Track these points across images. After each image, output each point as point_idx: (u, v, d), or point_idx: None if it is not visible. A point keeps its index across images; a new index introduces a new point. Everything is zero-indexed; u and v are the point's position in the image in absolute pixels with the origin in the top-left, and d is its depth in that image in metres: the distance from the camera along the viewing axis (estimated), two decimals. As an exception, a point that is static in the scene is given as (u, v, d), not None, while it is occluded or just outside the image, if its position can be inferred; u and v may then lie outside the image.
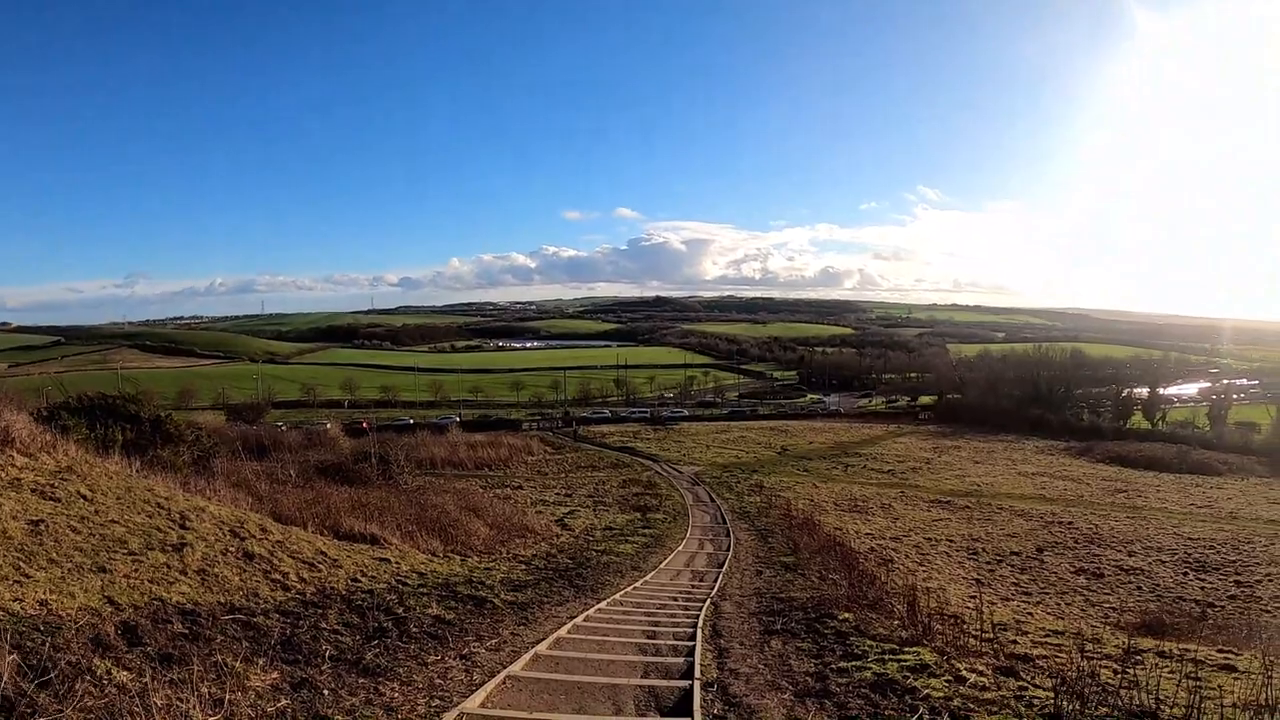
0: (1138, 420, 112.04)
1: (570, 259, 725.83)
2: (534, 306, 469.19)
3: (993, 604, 29.27)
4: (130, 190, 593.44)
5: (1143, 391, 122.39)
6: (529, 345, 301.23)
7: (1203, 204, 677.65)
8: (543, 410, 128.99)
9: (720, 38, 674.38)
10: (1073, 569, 42.93)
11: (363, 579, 13.74)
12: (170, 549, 11.33)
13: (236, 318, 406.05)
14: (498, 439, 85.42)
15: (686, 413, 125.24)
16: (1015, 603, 34.23)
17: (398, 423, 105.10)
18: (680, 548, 30.63)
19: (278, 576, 12.15)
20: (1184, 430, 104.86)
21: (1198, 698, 7.52)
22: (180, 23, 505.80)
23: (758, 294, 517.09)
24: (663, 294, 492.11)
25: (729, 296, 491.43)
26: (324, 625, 9.59)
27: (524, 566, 19.83)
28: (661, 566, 24.31)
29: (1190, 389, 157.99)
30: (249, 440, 60.96)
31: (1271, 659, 9.49)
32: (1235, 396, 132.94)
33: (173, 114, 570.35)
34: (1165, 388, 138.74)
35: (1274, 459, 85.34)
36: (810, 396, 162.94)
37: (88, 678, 5.89)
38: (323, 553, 14.86)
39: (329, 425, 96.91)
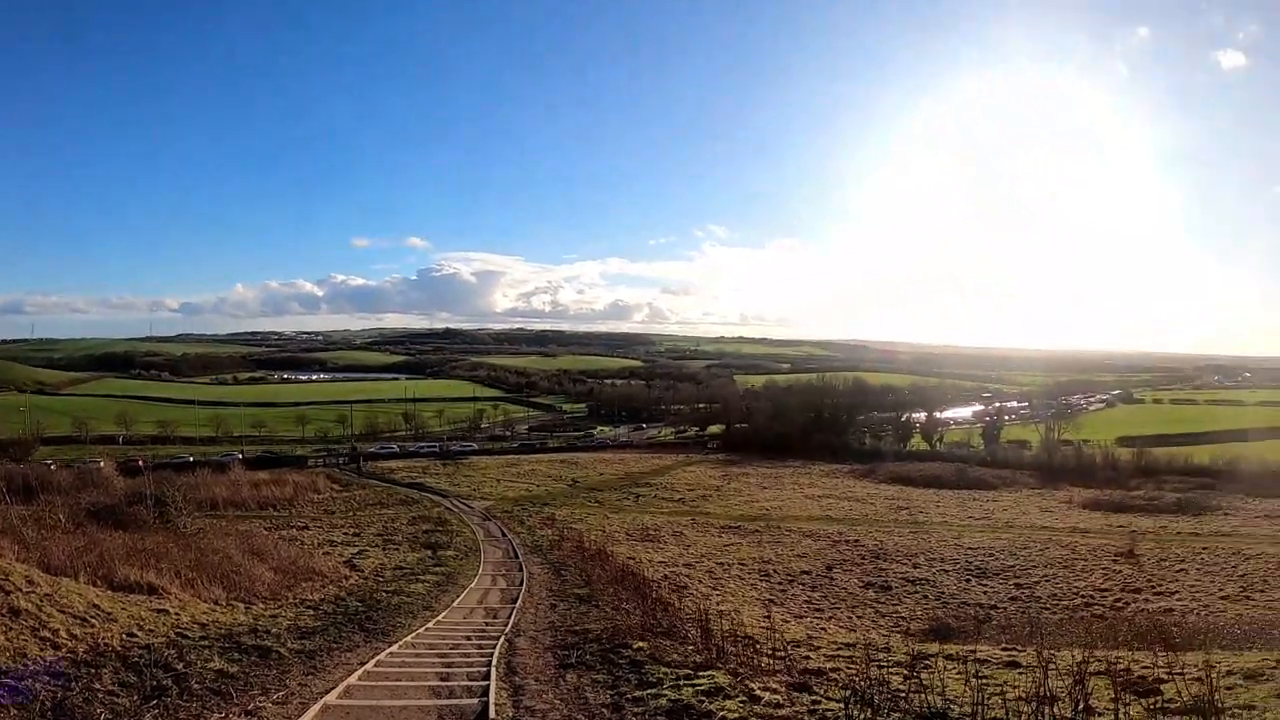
0: (917, 442, 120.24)
1: (359, 288, 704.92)
2: (320, 337, 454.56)
3: (787, 622, 30.09)
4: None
5: (921, 415, 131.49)
6: (315, 378, 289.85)
7: (971, 244, 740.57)
8: (329, 446, 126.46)
9: (509, 69, 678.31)
10: (862, 583, 45.24)
11: (140, 633, 13.01)
12: (-75, 606, 10.51)
13: (3, 342, 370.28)
14: (282, 477, 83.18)
15: (476, 447, 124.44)
16: (808, 619, 35.51)
17: (176, 460, 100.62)
18: (473, 584, 30.38)
19: (47, 634, 11.40)
20: (961, 450, 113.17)
21: (983, 695, 7.71)
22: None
23: (548, 327, 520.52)
24: (453, 326, 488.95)
25: (519, 329, 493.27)
26: (98, 686, 9.26)
27: (311, 612, 19.21)
28: (454, 605, 24.13)
29: (965, 412, 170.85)
30: (14, 480, 56.91)
31: (1051, 652, 9.96)
32: (1007, 417, 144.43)
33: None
34: (942, 411, 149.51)
35: (1043, 472, 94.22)
36: (600, 428, 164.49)
37: None
38: (96, 606, 13.94)
39: (102, 463, 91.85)
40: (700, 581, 41.96)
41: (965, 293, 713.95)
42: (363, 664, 12.57)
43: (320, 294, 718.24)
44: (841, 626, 33.99)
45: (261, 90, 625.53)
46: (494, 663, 12.50)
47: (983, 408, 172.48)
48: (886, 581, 45.86)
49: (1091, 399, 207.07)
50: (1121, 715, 7.54)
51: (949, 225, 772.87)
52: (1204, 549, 51.96)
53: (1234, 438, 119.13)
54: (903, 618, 38.17)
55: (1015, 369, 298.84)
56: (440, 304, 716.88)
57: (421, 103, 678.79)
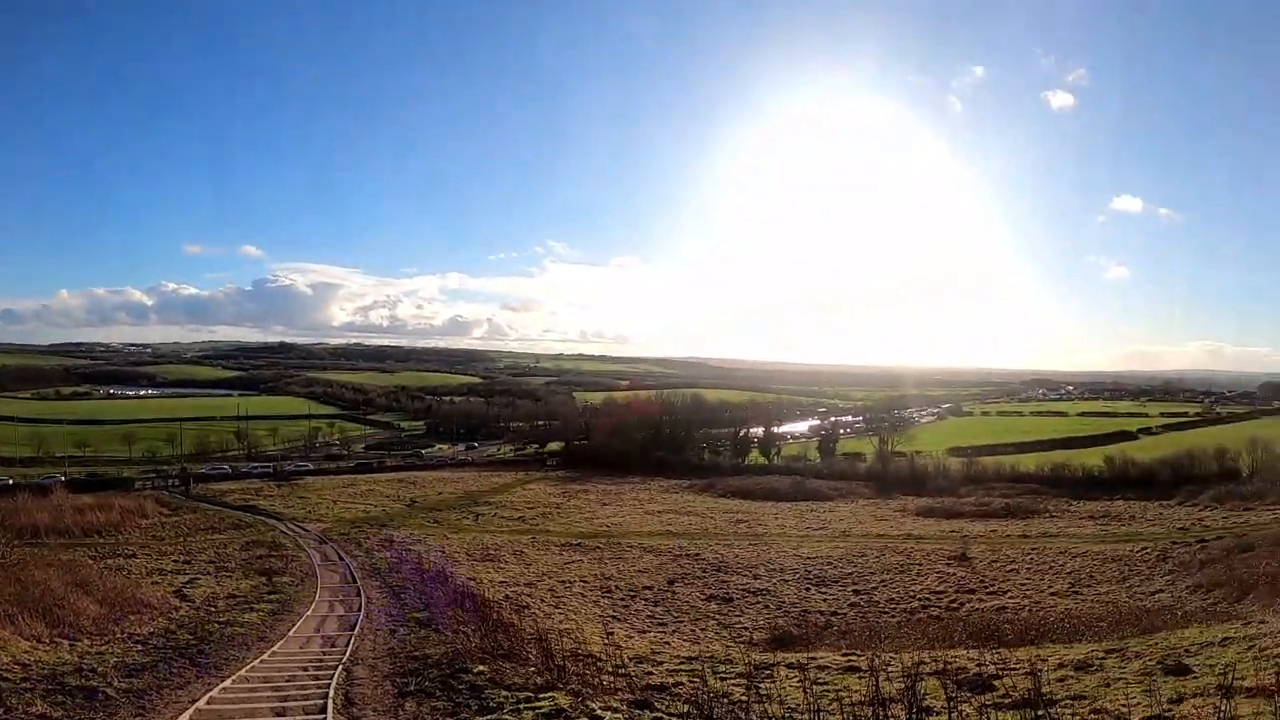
0: (755, 456, 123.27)
1: (190, 298, 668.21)
2: (150, 349, 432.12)
3: (630, 638, 30.19)
4: None
5: (759, 430, 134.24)
6: (143, 393, 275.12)
7: (807, 266, 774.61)
8: (158, 467, 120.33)
9: (340, 73, 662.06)
10: (704, 596, 46.09)
11: (-44, 678, 12.53)
12: None
13: None
14: (108, 500, 78.13)
15: (312, 466, 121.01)
16: (651, 635, 35.75)
17: None
18: (310, 612, 29.83)
19: None
20: (798, 463, 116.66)
21: (821, 702, 7.78)
22: None
23: (386, 342, 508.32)
24: (288, 339, 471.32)
25: (357, 344, 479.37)
26: (-94, 737, 8.86)
27: (140, 647, 18.90)
28: (290, 634, 23.73)
29: (802, 426, 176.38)
30: None
31: (891, 655, 10.19)
32: (842, 431, 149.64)
33: None
34: (779, 426, 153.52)
35: (878, 483, 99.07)
36: (439, 446, 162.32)
37: None
38: (-94, 647, 13.32)
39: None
40: (542, 600, 42.00)
41: (802, 312, 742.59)
42: (194, 702, 12.36)
43: (150, 303, 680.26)
44: (684, 640, 34.38)
45: (86, 82, 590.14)
46: (331, 694, 12.49)
47: (819, 422, 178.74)
48: (728, 593, 46.82)
49: (923, 412, 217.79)
50: (955, 714, 7.71)
51: (787, 247, 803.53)
52: (1033, 550, 55.46)
53: (1057, 446, 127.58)
54: (745, 628, 39.01)
55: (850, 385, 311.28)
56: (275, 316, 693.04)
57: (255, 103, 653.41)
